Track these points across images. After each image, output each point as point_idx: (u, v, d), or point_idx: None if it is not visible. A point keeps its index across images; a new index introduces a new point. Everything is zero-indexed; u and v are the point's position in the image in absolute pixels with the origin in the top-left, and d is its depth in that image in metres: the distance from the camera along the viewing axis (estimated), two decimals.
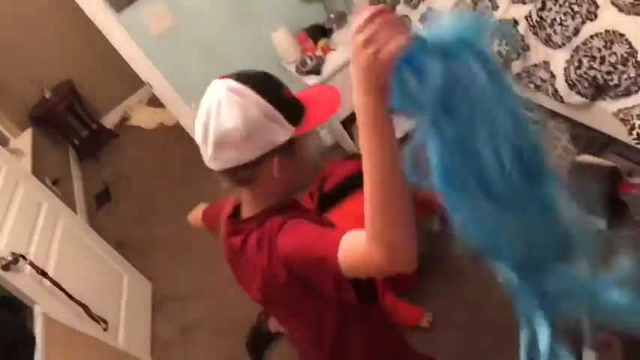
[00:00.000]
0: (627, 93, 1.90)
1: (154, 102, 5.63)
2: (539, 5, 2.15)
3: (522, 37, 2.28)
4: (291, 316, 1.47)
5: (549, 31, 2.12)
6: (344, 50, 3.43)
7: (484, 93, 0.87)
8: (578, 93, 2.08)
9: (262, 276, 1.28)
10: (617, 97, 1.95)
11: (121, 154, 5.95)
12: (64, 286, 2.77)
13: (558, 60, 2.13)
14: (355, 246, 1.05)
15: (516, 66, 2.40)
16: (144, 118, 6.19)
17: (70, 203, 4.51)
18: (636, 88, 1.86)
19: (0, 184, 2.95)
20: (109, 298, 3.32)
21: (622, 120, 1.90)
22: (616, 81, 1.89)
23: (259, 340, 2.84)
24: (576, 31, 2.02)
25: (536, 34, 2.21)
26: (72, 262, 3.16)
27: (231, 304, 3.42)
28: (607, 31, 1.90)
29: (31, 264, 2.68)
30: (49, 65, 5.88)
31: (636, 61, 1.81)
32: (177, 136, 4.76)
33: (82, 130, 6.15)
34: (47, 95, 5.69)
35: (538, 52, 2.25)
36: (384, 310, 1.56)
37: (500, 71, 0.93)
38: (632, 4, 1.87)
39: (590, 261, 1.05)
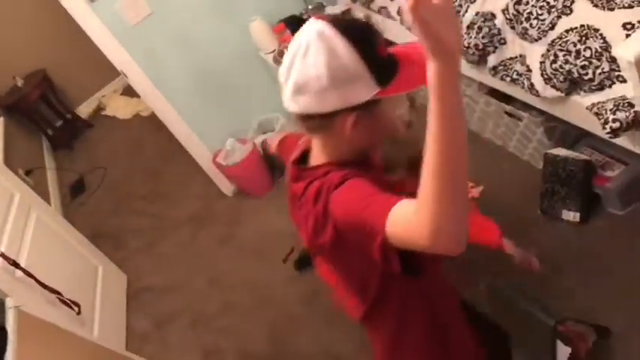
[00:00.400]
0: (601, 87, 1.93)
1: (129, 92, 5.57)
2: None
3: (499, 31, 2.29)
4: (335, 269, 1.45)
5: (526, 24, 2.13)
6: None
7: None
8: (554, 87, 2.10)
9: (313, 226, 1.24)
10: (591, 91, 1.98)
11: (96, 144, 5.88)
12: (36, 277, 2.74)
13: (534, 54, 2.15)
14: (404, 217, 1.02)
15: (492, 59, 2.41)
16: (119, 108, 6.11)
17: (44, 194, 4.45)
18: (610, 83, 1.88)
19: None
20: (84, 289, 3.28)
21: (596, 114, 1.92)
22: (590, 75, 1.91)
23: (307, 261, 2.93)
24: (552, 26, 2.03)
25: (512, 27, 2.22)
26: (45, 254, 3.12)
27: (206, 296, 3.42)
28: (582, 26, 1.92)
29: (3, 255, 2.64)
30: (21, 54, 5.77)
31: (610, 56, 1.83)
32: (153, 127, 4.72)
33: (55, 120, 6.05)
34: (19, 84, 5.58)
35: (514, 46, 2.26)
36: (439, 283, 1.52)
37: None
38: None
39: None
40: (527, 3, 2.12)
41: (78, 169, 5.38)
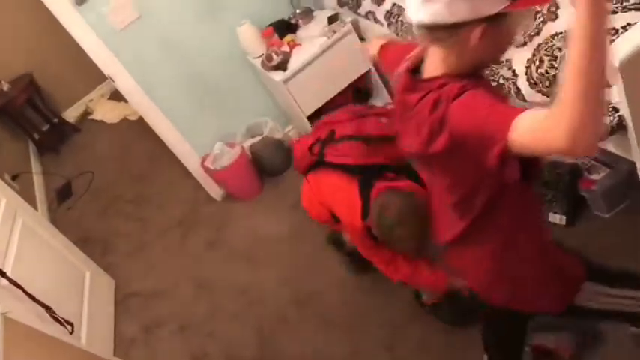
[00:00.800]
0: None
1: (117, 96, 5.55)
2: None
3: None
4: (444, 176, 1.44)
5: None
6: (310, 46, 3.43)
7: None
8: (540, 91, 2.12)
9: (428, 135, 1.25)
10: None
11: (83, 148, 5.85)
12: (23, 284, 2.71)
13: (520, 58, 2.17)
14: (533, 124, 1.04)
15: None
16: (106, 112, 6.08)
17: (30, 199, 4.42)
18: None
19: None
20: (71, 295, 3.26)
21: None
22: None
23: (339, 242, 2.91)
24: (538, 31, 2.05)
25: None
26: (32, 260, 3.10)
27: (194, 300, 3.41)
28: (567, 31, 1.93)
29: None
30: (7, 57, 5.73)
31: None
32: (141, 131, 4.70)
33: (42, 124, 6.01)
34: (5, 88, 5.54)
35: None
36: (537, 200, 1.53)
37: None
38: None
39: None
40: None
41: (65, 174, 5.35)
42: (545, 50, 2.01)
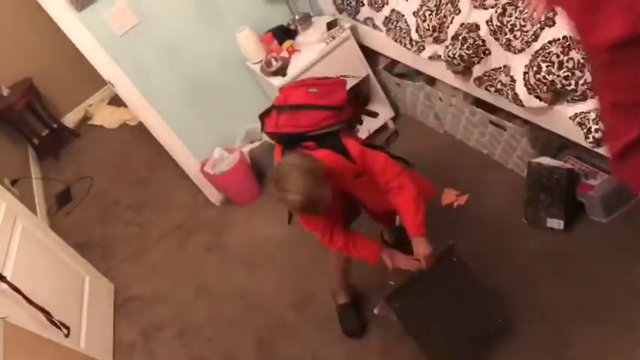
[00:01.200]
0: (584, 98, 1.96)
1: (116, 101, 5.56)
2: (499, 10, 2.20)
3: (483, 42, 2.32)
4: None
5: (509, 36, 2.17)
6: (308, 52, 3.44)
7: None
8: (537, 97, 2.14)
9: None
10: (574, 101, 2.01)
11: (83, 153, 5.85)
12: (23, 289, 2.71)
13: (518, 65, 2.19)
14: None
15: (477, 70, 2.45)
16: (106, 117, 6.09)
17: (30, 204, 4.42)
18: (592, 93, 1.92)
19: None
20: (70, 300, 3.26)
21: (579, 124, 1.96)
22: (573, 86, 1.95)
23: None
24: (535, 37, 2.07)
25: (497, 38, 2.26)
26: (31, 265, 3.10)
27: (193, 305, 3.41)
28: (564, 37, 1.96)
29: None
30: (7, 62, 5.73)
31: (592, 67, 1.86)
32: (140, 136, 4.71)
33: (41, 129, 6.01)
34: (5, 93, 5.54)
35: (499, 57, 2.30)
36: None
37: None
38: None
39: None
40: (511, 15, 2.16)
41: (64, 179, 5.35)
42: (543, 56, 2.02)
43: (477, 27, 2.33)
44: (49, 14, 3.20)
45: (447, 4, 2.56)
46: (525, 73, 2.14)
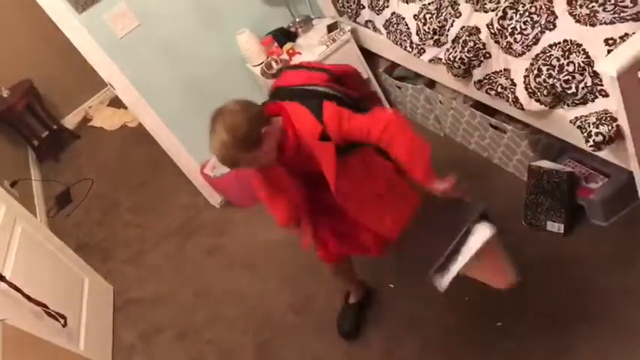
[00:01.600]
0: (584, 101, 1.96)
1: (117, 103, 5.56)
2: (500, 14, 2.20)
3: (484, 45, 2.32)
4: None
5: (510, 39, 2.17)
6: (309, 54, 3.44)
7: None
8: (538, 100, 2.14)
9: None
10: (575, 105, 2.01)
11: (82, 155, 5.85)
12: (22, 290, 2.72)
13: (518, 68, 2.19)
14: None
15: (477, 73, 2.45)
16: (106, 118, 6.09)
17: (29, 206, 4.42)
18: (593, 97, 1.92)
19: None
20: (70, 302, 3.25)
21: (579, 127, 1.96)
22: (573, 89, 1.95)
23: None
24: (536, 40, 2.07)
25: (497, 42, 2.26)
26: (31, 267, 3.09)
27: (192, 307, 3.41)
28: (565, 41, 1.96)
29: None
30: (7, 64, 5.74)
31: (593, 71, 1.86)
32: (140, 138, 4.71)
33: (41, 131, 6.02)
34: (5, 94, 5.55)
35: (499, 60, 2.30)
36: None
37: None
38: (588, 15, 1.93)
39: None
40: (512, 18, 2.16)
41: (64, 181, 5.36)
42: (544, 60, 2.02)
43: (478, 30, 2.33)
44: (50, 16, 3.21)
45: (447, 7, 2.56)
46: (526, 76, 2.14)
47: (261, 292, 3.25)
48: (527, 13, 2.10)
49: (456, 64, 2.47)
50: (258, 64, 3.57)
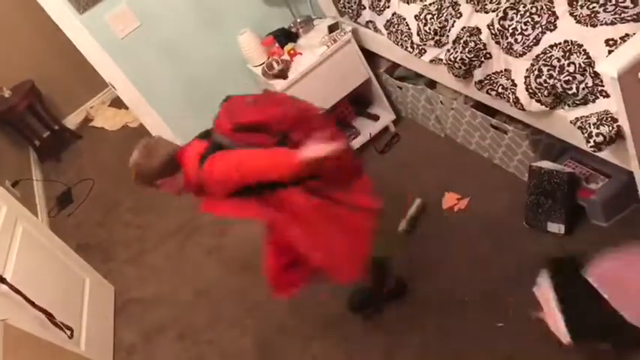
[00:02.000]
0: (584, 102, 1.96)
1: (118, 103, 5.56)
2: (500, 14, 2.20)
3: (485, 45, 2.32)
4: None
5: (510, 40, 2.17)
6: (310, 54, 3.44)
7: None
8: (538, 101, 2.13)
9: None
10: (575, 105, 2.01)
11: (84, 155, 5.85)
12: (23, 290, 2.71)
13: (519, 68, 2.19)
14: None
15: (478, 73, 2.44)
16: (107, 119, 6.09)
17: (31, 206, 4.42)
18: (593, 97, 1.92)
19: None
20: (71, 302, 3.26)
21: (580, 128, 1.96)
22: (574, 90, 1.95)
23: None
24: (536, 41, 2.07)
25: (498, 42, 2.25)
26: (32, 267, 3.10)
27: (193, 307, 3.41)
28: (566, 42, 1.96)
29: None
30: (9, 64, 5.75)
31: (593, 71, 1.86)
32: (141, 138, 4.69)
33: (43, 131, 6.02)
34: (7, 94, 5.55)
35: (499, 61, 2.30)
36: None
37: None
38: (588, 15, 1.93)
39: None
40: (512, 19, 2.16)
41: (65, 181, 5.36)
42: (544, 60, 2.02)
43: (478, 30, 2.33)
44: (51, 16, 3.21)
45: (448, 7, 2.56)
46: (526, 77, 2.14)
47: (260, 292, 3.23)
48: (527, 14, 2.10)
49: (456, 65, 2.47)
50: (259, 65, 3.57)
